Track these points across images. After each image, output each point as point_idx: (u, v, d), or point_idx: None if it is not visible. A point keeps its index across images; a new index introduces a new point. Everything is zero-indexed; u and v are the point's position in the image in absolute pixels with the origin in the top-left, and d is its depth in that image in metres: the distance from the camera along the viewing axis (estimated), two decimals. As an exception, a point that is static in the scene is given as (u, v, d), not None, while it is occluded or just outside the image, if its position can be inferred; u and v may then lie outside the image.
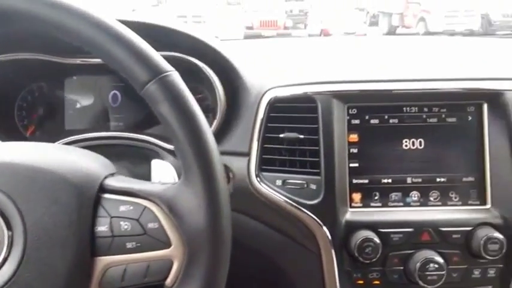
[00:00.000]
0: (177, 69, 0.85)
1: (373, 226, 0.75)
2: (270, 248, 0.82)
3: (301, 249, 0.78)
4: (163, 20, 0.84)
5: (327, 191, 0.75)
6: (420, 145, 0.79)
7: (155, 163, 0.56)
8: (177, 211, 0.48)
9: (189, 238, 0.47)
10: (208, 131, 0.49)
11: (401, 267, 0.76)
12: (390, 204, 0.78)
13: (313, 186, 0.76)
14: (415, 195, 0.79)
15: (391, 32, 11.16)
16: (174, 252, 0.48)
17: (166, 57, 0.83)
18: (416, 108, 0.79)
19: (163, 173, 0.55)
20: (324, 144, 0.76)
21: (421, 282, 0.74)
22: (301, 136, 0.78)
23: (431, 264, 0.74)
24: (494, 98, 0.78)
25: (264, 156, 0.80)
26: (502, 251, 0.73)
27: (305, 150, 0.78)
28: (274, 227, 0.80)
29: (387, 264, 0.76)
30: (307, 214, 0.76)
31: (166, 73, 0.49)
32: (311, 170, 0.77)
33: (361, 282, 0.77)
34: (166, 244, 0.48)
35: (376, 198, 0.78)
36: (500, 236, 0.73)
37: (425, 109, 0.79)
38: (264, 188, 0.78)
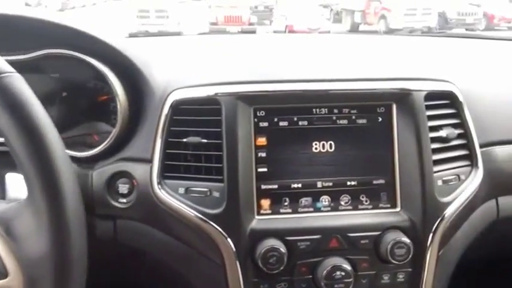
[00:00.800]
0: (78, 68, 0.80)
1: (279, 234, 0.72)
2: (175, 260, 0.77)
3: (206, 261, 0.74)
4: (58, 17, 0.77)
5: (230, 199, 0.71)
6: (330, 148, 0.76)
7: (9, 177, 0.50)
8: (15, 234, 0.42)
9: (28, 265, 0.42)
10: (53, 140, 0.44)
11: (310, 276, 0.73)
12: (300, 210, 0.75)
13: (217, 194, 0.72)
14: (325, 199, 0.76)
15: (354, 29, 11.35)
16: (13, 283, 0.42)
17: (54, 55, 0.79)
18: (326, 109, 0.76)
19: (19, 188, 0.48)
20: (227, 148, 0.72)
21: None
22: (205, 140, 0.74)
23: (338, 272, 0.71)
24: (402, 98, 0.76)
25: (166, 162, 0.75)
26: (409, 255, 0.72)
27: (210, 155, 0.74)
28: (178, 238, 0.75)
29: (295, 273, 0.73)
30: (210, 224, 0.71)
31: (1, 75, 0.43)
32: (215, 177, 0.73)
33: None
34: (3, 274, 0.42)
35: (285, 204, 0.75)
36: (407, 240, 0.72)
37: (335, 110, 0.76)
38: (165, 197, 0.73)
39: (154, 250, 0.78)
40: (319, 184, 0.76)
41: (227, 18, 11.50)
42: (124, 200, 0.77)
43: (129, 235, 0.78)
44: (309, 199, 0.75)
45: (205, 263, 0.74)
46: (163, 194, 0.73)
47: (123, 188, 0.77)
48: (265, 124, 0.75)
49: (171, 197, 0.73)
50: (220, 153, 0.72)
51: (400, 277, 0.75)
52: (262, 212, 0.74)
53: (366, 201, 0.76)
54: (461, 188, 0.78)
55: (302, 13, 11.03)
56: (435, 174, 0.76)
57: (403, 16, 9.64)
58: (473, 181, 0.79)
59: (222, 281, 0.73)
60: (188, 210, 0.72)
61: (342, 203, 0.76)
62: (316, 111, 0.76)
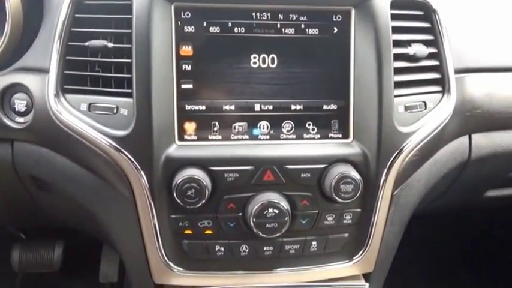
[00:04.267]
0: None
1: (203, 163, 0.59)
2: (80, 191, 0.64)
3: (115, 194, 0.62)
4: None
5: (140, 118, 0.58)
6: (273, 63, 0.62)
7: None
8: None
9: None
10: None
11: (239, 214, 0.62)
12: (233, 137, 0.62)
13: (125, 112, 0.59)
14: (264, 126, 0.63)
15: None
16: None
17: None
18: (268, 14, 0.61)
19: None
20: (137, 54, 0.57)
21: (258, 231, 0.60)
22: (111, 45, 0.59)
23: (270, 210, 0.60)
24: (363, 2, 0.61)
25: (66, 72, 0.60)
26: (357, 193, 0.60)
27: (119, 64, 0.60)
28: (83, 165, 0.63)
29: (220, 209, 0.61)
30: (116, 148, 0.58)
31: None
32: (123, 91, 0.59)
33: (189, 232, 0.62)
34: None
35: (215, 129, 0.62)
36: (357, 176, 0.60)
37: (281, 16, 0.61)
38: (63, 114, 0.59)
39: (58, 180, 0.65)
40: (257, 107, 0.62)
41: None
42: (21, 120, 0.63)
43: (29, 161, 0.65)
44: (244, 124, 0.62)
45: (114, 197, 0.62)
46: (61, 111, 0.59)
47: (19, 104, 0.63)
48: (191, 29, 0.60)
49: (70, 114, 0.59)
50: (130, 60, 0.58)
51: (347, 218, 0.64)
52: (186, 137, 0.61)
53: (313, 129, 0.63)
54: (427, 118, 0.65)
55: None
56: (397, 99, 0.63)
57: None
58: (443, 111, 0.66)
59: (134, 219, 0.61)
60: (90, 131, 0.59)
61: (284, 130, 0.63)
62: (256, 16, 0.61)
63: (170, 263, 0.64)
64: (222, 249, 0.63)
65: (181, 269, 0.64)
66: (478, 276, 1.37)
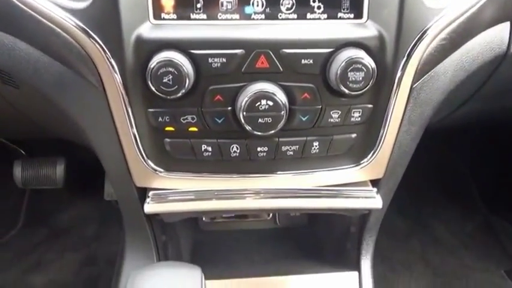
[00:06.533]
0: None
1: (182, 45, 0.49)
2: (46, 82, 0.56)
3: (82, 83, 0.53)
4: None
5: None
6: None
7: None
8: None
9: None
10: None
11: (228, 108, 0.53)
12: (221, 16, 0.51)
13: None
14: (258, 2, 0.51)
15: None
16: None
17: None
18: None
19: None
20: None
21: (249, 128, 0.52)
22: None
23: (264, 102, 0.50)
24: None
25: None
26: (369, 83, 0.50)
27: None
28: (45, 50, 0.53)
29: (206, 102, 0.52)
30: (76, 24, 0.48)
31: None
32: None
33: (170, 129, 0.54)
34: None
35: (199, 6, 0.51)
36: (370, 62, 0.49)
37: None
38: None
39: (20, 70, 0.56)
40: None
41: None
42: None
43: None
44: (234, 0, 0.51)
45: (82, 87, 0.53)
46: None
47: None
48: None
49: None
50: None
51: (356, 116, 0.54)
52: (163, 16, 0.50)
53: (319, 7, 0.51)
54: None
55: None
56: None
57: None
58: None
59: (105, 111, 0.53)
60: (44, 3, 0.49)
61: (283, 9, 0.51)
62: None
63: (151, 163, 0.57)
64: (210, 149, 0.55)
65: (163, 170, 0.58)
66: (491, 198, 1.32)
